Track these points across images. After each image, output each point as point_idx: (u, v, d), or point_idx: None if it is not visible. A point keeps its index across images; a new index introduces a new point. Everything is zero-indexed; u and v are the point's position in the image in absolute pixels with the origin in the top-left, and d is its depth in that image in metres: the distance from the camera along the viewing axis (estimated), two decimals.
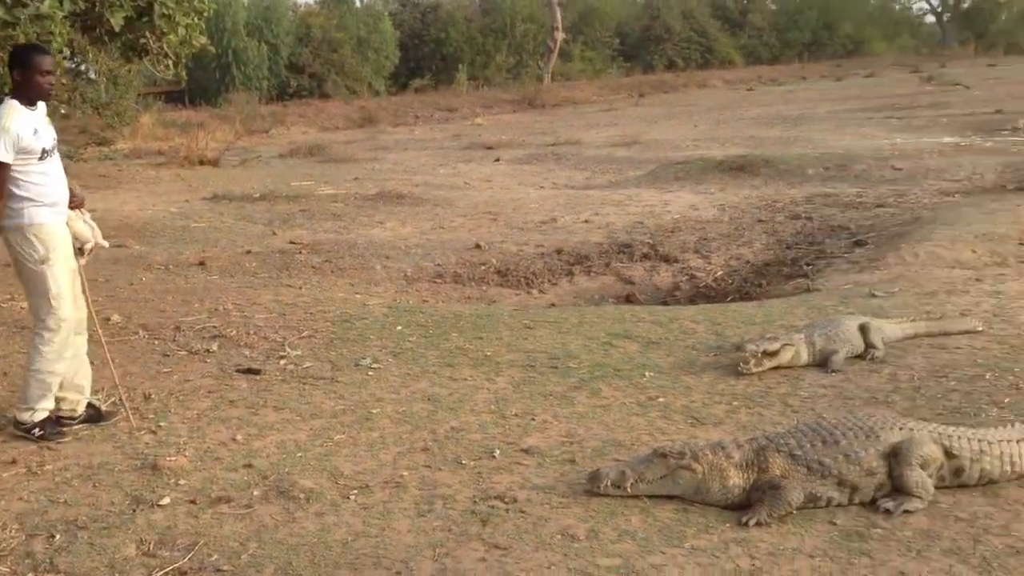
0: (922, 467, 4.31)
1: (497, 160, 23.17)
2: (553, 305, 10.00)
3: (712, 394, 5.91)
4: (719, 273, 10.80)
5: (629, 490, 4.41)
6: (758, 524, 4.16)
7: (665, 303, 9.86)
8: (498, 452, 5.07)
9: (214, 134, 26.62)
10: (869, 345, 6.43)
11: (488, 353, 6.88)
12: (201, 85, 41.90)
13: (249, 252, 11.75)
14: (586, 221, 13.59)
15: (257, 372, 6.47)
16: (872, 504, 4.31)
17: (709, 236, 12.21)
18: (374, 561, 4.00)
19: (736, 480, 4.35)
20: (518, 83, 52.67)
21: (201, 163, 21.49)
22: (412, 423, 5.55)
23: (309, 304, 8.49)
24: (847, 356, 6.35)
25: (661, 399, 5.84)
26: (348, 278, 10.67)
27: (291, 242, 12.54)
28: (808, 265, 10.35)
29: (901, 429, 4.42)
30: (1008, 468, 4.44)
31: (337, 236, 13.01)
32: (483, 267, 11.17)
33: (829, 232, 11.86)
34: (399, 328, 7.63)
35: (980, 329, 6.80)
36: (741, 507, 4.33)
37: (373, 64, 50.00)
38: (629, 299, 10.30)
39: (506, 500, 4.49)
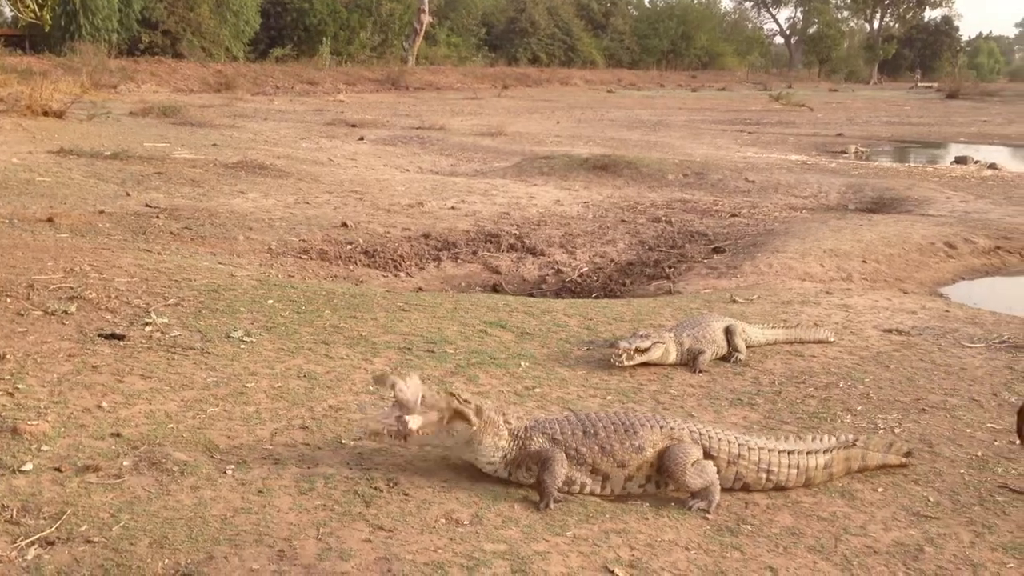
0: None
1: (361, 139, 22.90)
2: (421, 289, 9.98)
3: (587, 387, 6.04)
4: (584, 269, 11.04)
5: (407, 441, 4.46)
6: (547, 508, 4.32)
7: (531, 295, 10.00)
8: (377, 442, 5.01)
9: (58, 84, 25.23)
10: (733, 348, 6.72)
11: (364, 333, 6.81)
12: (43, 31, 39.48)
13: (102, 212, 11.21)
14: (453, 208, 13.62)
15: (121, 338, 6.18)
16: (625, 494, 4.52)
17: (574, 232, 12.45)
18: (255, 538, 3.91)
19: (504, 445, 4.50)
20: (382, 62, 52.17)
21: (45, 114, 20.30)
22: (289, 399, 5.44)
23: (173, 271, 8.17)
24: (712, 357, 6.63)
25: (537, 389, 5.94)
26: (209, 247, 10.33)
27: (147, 205, 12.04)
28: (670, 268, 10.71)
29: (662, 428, 4.59)
30: (763, 476, 4.62)
31: (196, 203, 12.56)
32: (350, 246, 11.04)
33: (688, 237, 12.30)
34: (270, 302, 7.45)
35: (832, 340, 7.21)
36: (500, 480, 4.50)
37: (232, 27, 48.39)
38: (496, 288, 10.40)
39: (389, 482, 4.47)
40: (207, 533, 3.91)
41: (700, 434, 4.62)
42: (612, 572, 3.84)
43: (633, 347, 6.33)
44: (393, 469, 4.62)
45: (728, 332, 6.77)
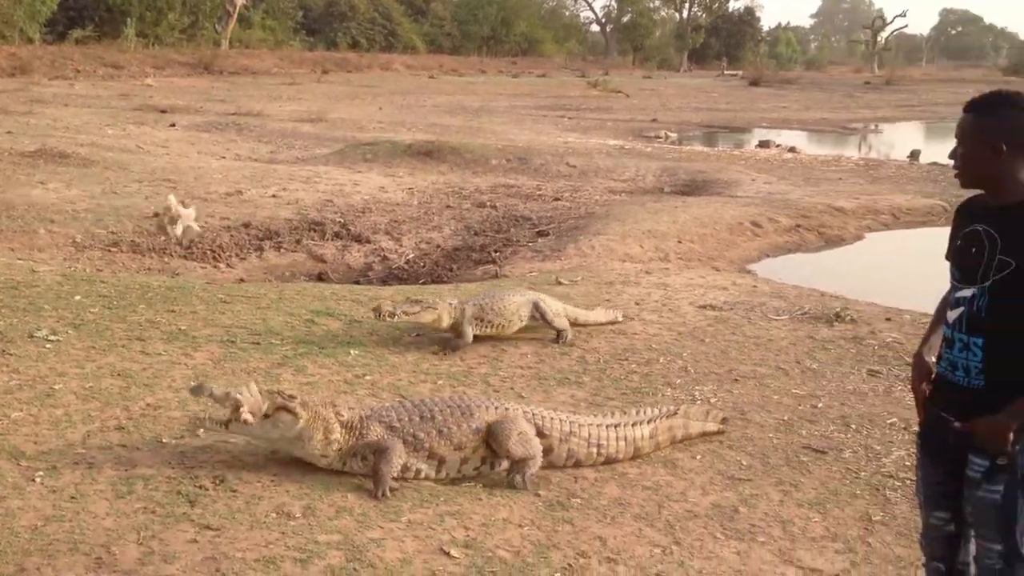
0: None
1: (173, 125, 21.95)
2: (243, 280, 9.67)
3: (417, 372, 6.04)
4: (411, 256, 11.00)
5: (228, 428, 4.40)
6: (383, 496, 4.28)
7: (358, 282, 9.87)
8: (203, 431, 4.84)
9: None
10: (543, 318, 6.73)
11: (182, 327, 6.54)
12: None
13: None
14: (274, 196, 13.26)
15: None
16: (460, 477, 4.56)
17: (399, 219, 12.38)
18: (70, 547, 3.70)
19: (338, 438, 4.45)
20: (193, 45, 50.06)
21: None
22: (102, 400, 5.17)
23: None
24: (495, 332, 6.64)
25: (368, 377, 5.89)
26: (6, 242, 9.71)
27: None
28: (496, 252, 10.82)
29: (497, 410, 4.69)
30: (594, 451, 4.78)
31: None
32: (164, 237, 10.56)
33: (513, 221, 12.46)
34: (77, 298, 7.04)
35: (620, 319, 7.36)
36: (336, 472, 4.45)
37: (27, 7, 45.11)
38: (321, 277, 10.22)
39: (215, 479, 4.32)
40: (16, 545, 3.69)
41: (533, 415, 4.73)
42: (448, 553, 3.86)
43: (399, 311, 6.34)
44: (219, 466, 4.48)
45: (536, 307, 6.79)
